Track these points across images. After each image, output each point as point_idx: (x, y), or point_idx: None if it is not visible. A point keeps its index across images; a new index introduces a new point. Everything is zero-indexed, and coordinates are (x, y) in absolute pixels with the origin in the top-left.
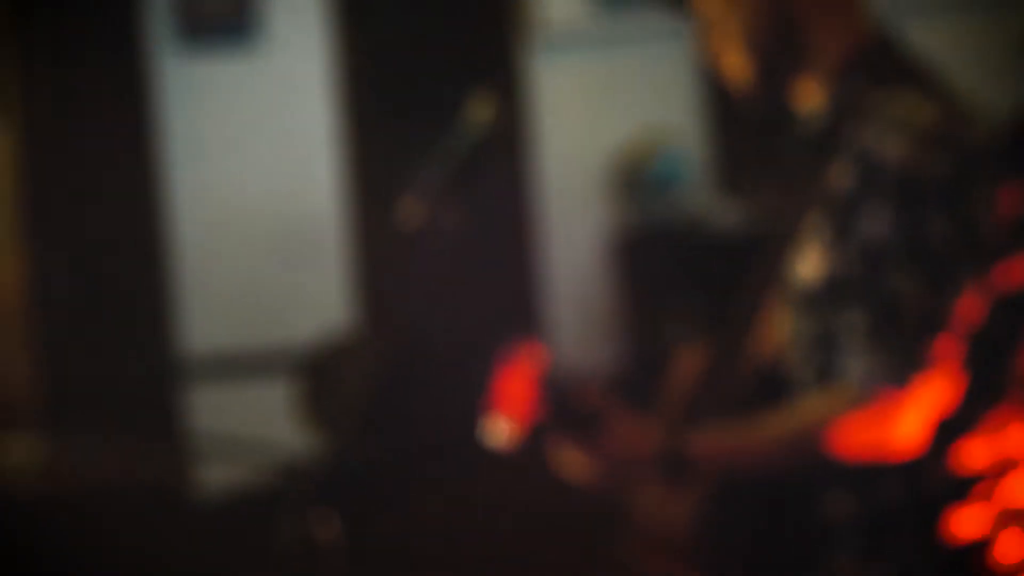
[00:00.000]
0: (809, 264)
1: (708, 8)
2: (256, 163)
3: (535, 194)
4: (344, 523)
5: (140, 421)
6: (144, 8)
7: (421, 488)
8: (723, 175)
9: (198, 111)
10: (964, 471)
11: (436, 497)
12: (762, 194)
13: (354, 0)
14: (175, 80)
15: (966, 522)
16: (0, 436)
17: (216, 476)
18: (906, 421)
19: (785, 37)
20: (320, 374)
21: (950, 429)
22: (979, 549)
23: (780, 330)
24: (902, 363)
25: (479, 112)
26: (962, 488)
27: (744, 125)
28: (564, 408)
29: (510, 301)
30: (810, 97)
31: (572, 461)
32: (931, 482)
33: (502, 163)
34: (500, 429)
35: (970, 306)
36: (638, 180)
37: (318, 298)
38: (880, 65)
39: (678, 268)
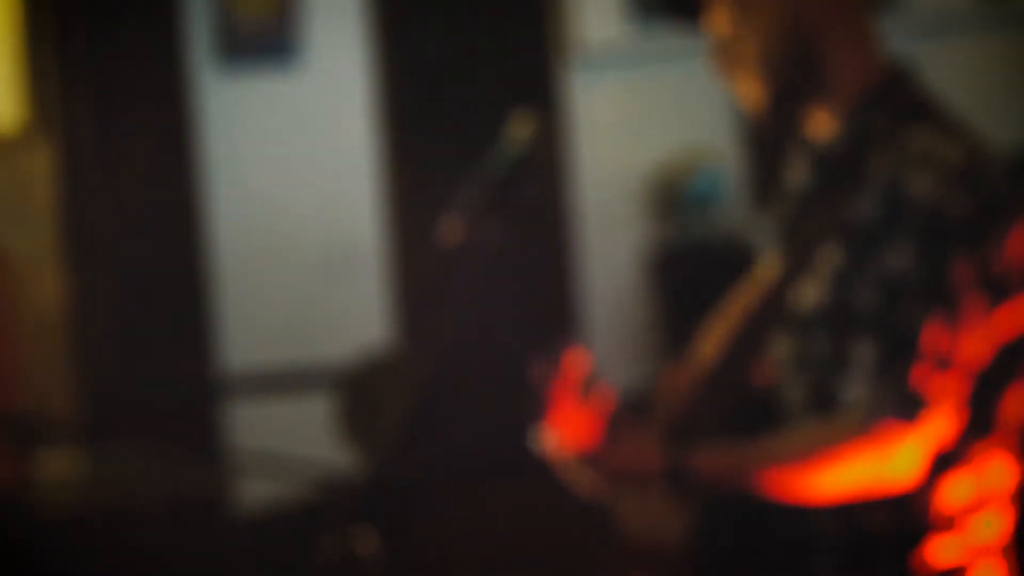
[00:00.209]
0: (817, 288)
1: (723, 29)
2: (296, 180)
3: (573, 212)
4: (383, 539)
5: (181, 437)
6: (185, 26)
7: (458, 503)
8: (760, 193)
9: (239, 128)
10: (946, 502)
11: (473, 512)
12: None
13: (394, 19)
14: (216, 97)
15: (943, 552)
16: (43, 451)
17: (256, 492)
18: (905, 455)
19: (802, 64)
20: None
21: (942, 463)
22: None
23: (779, 351)
24: (909, 398)
25: (518, 130)
26: (942, 518)
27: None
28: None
29: (547, 318)
30: (823, 126)
31: (577, 471)
32: (915, 511)
33: (541, 181)
34: (549, 439)
35: (979, 345)
36: (675, 198)
37: (357, 315)
38: (897, 97)
39: (715, 286)
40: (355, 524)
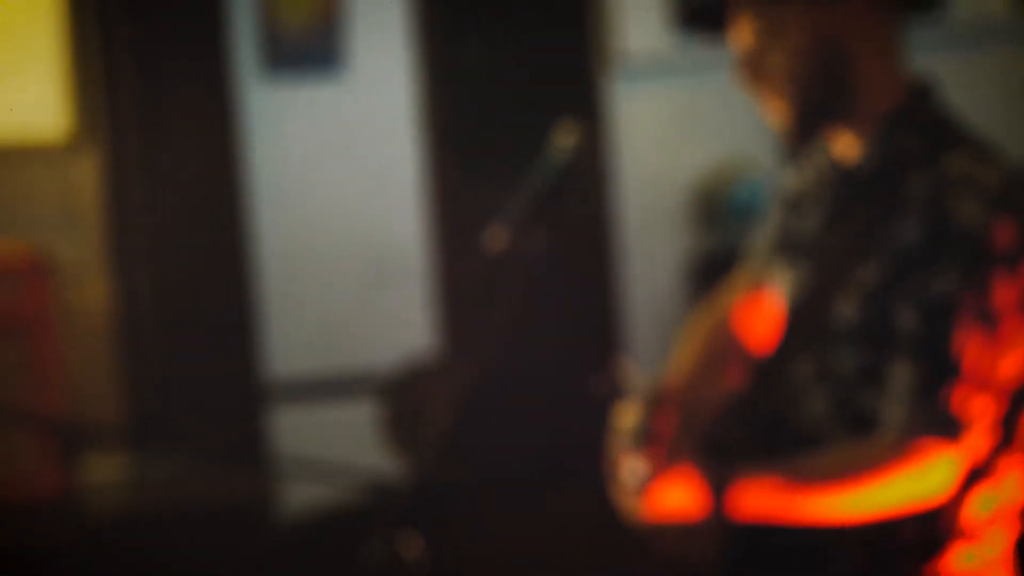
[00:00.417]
0: (848, 305)
1: (748, 43)
2: (340, 188)
3: (615, 221)
4: (427, 543)
5: (226, 443)
6: (230, 35)
7: (502, 508)
8: None
9: (283, 137)
10: (970, 514)
11: (517, 517)
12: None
13: (438, 28)
14: (261, 106)
15: (959, 562)
16: (89, 457)
17: (300, 497)
18: (941, 473)
19: (830, 80)
20: (403, 397)
21: (971, 477)
22: None
23: (806, 367)
24: (949, 418)
25: (562, 140)
26: (963, 529)
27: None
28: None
29: (590, 325)
30: (847, 143)
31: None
32: (939, 523)
33: (584, 190)
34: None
35: (1017, 365)
36: (717, 208)
37: (401, 322)
38: (924, 116)
39: None
40: (400, 529)
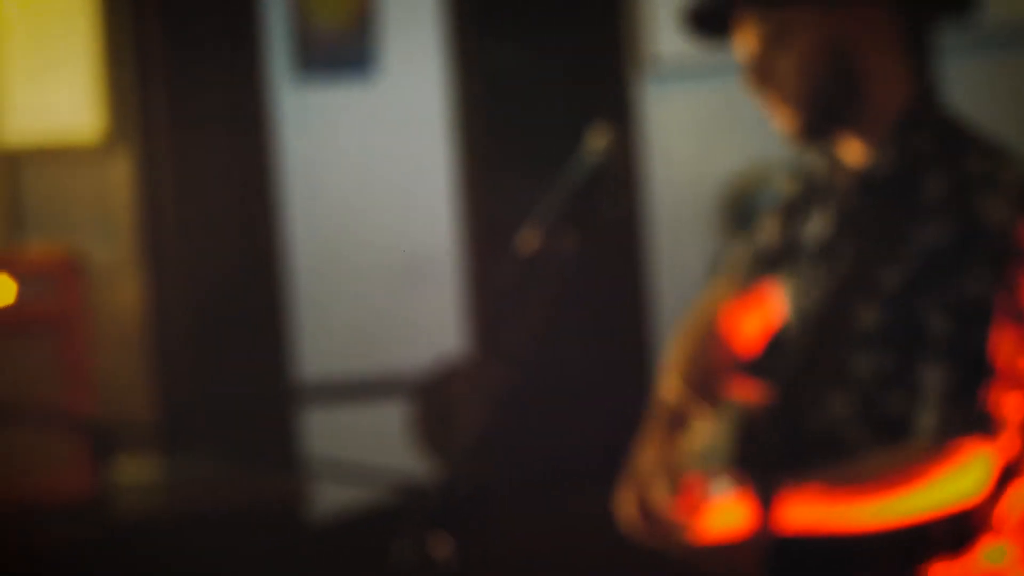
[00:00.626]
0: (871, 309)
1: (754, 48)
2: (372, 190)
3: (646, 223)
4: (458, 545)
5: (257, 444)
6: (263, 36)
7: (534, 510)
8: None
9: (316, 138)
10: (1002, 511)
11: (548, 519)
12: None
13: (470, 30)
14: (293, 107)
15: (988, 558)
16: (120, 458)
17: (331, 498)
18: (977, 473)
19: (841, 86)
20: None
21: (1004, 476)
22: None
23: (823, 371)
24: (985, 419)
25: (594, 142)
26: (993, 526)
27: None
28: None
29: (621, 328)
30: (855, 148)
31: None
32: (969, 520)
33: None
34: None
35: None
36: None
37: (432, 323)
38: (934, 117)
39: None
40: (430, 530)
